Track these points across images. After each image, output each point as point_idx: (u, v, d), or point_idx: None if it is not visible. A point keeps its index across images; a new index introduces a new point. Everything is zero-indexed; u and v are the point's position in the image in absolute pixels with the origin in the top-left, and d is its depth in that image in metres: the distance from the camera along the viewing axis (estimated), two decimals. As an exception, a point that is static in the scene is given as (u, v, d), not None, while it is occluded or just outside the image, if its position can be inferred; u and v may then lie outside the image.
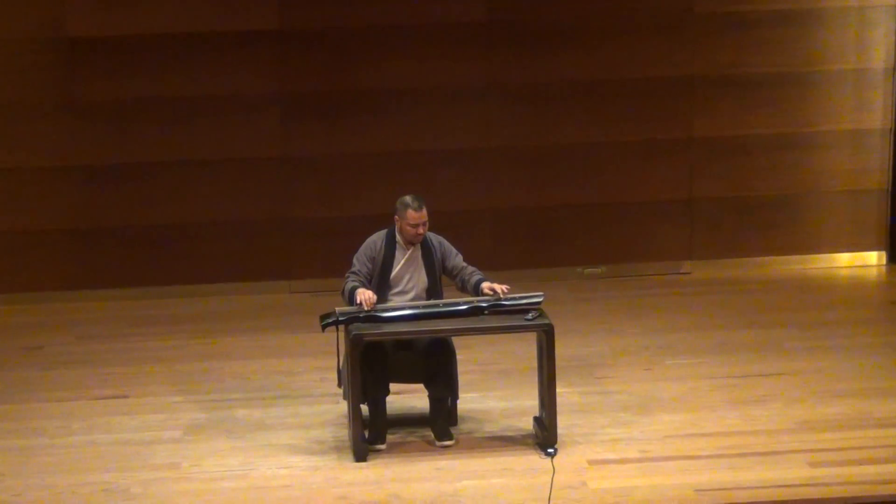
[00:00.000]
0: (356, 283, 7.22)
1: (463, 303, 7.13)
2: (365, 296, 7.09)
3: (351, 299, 7.16)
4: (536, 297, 7.20)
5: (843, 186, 10.76)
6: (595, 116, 10.51)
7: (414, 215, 7.22)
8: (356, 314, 7.03)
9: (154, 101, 10.22)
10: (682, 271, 10.79)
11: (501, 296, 7.10)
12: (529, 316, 7.04)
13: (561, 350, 7.76)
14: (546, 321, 7.01)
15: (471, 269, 7.34)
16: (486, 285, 7.17)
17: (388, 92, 10.35)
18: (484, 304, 7.11)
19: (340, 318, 7.03)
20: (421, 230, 7.25)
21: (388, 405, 7.24)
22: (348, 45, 10.28)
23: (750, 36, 10.49)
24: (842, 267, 10.80)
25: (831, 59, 10.57)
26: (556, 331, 7.02)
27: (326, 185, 10.45)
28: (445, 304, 7.13)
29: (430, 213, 7.31)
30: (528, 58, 10.40)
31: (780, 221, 10.78)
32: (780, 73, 10.55)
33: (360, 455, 6.99)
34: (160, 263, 10.41)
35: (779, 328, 9.20)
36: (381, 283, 7.27)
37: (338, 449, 7.16)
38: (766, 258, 10.82)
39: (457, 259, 7.36)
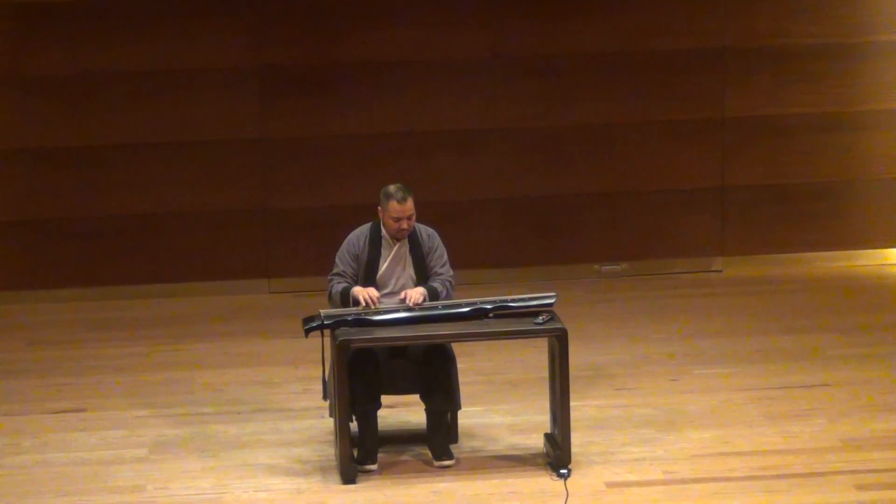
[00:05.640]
0: (346, 284, 7.26)
1: (464, 304, 7.17)
2: (368, 293, 7.12)
3: (344, 302, 7.19)
4: (548, 298, 7.25)
5: (893, 173, 10.79)
6: (614, 93, 10.54)
7: (397, 207, 7.25)
8: (343, 317, 7.06)
9: (114, 75, 10.25)
10: (712, 269, 10.82)
11: (410, 304, 7.11)
12: (540, 319, 7.09)
13: (575, 358, 7.80)
14: (558, 325, 7.06)
15: (443, 277, 7.32)
16: (403, 292, 7.17)
17: (379, 65, 10.38)
18: (488, 306, 7.16)
19: (326, 322, 7.07)
20: (405, 224, 7.27)
21: (379, 420, 7.28)
22: (335, 12, 10.30)
23: (789, 2, 10.51)
24: (892, 264, 10.84)
25: (882, 27, 10.60)
26: (571, 336, 7.07)
27: (310, 171, 10.48)
28: (444, 306, 7.17)
29: (424, 204, 7.33)
30: (537, 26, 10.43)
31: (822, 212, 10.81)
32: (823, 44, 10.58)
33: (349, 477, 7.04)
34: (121, 260, 10.43)
35: (822, 334, 9.24)
36: (367, 284, 7.30)
37: (323, 470, 7.20)
38: (808, 254, 10.85)
39: (437, 260, 7.35)
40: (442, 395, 7.23)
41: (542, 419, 7.56)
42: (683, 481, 6.95)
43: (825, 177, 10.77)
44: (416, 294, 7.17)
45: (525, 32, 10.42)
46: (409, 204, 7.25)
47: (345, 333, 6.97)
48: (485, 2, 10.37)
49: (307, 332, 7.16)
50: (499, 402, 8.11)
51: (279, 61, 10.32)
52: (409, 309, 7.15)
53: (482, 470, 7.13)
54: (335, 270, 7.34)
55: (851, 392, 8.11)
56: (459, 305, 7.17)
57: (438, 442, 7.26)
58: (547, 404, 7.34)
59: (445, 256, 7.40)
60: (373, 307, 7.09)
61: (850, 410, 7.82)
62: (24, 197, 10.33)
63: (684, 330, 9.37)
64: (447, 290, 7.30)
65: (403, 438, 7.55)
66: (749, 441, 7.43)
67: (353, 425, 7.20)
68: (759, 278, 10.59)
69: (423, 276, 7.35)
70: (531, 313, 7.16)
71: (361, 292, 7.15)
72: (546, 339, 7.20)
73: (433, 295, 7.24)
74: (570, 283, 10.35)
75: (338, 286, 7.27)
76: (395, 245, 7.34)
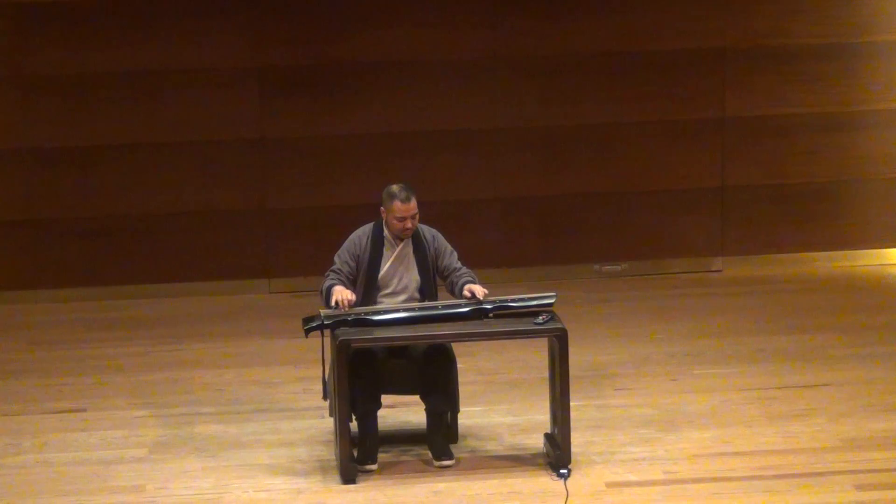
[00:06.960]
0: (334, 281, 7.25)
1: (464, 304, 7.17)
2: (342, 295, 7.11)
3: (327, 299, 7.20)
4: (548, 298, 7.24)
5: (893, 173, 10.80)
6: (614, 93, 10.54)
7: (401, 207, 7.25)
8: (344, 317, 7.07)
9: (114, 74, 10.25)
10: (712, 269, 10.83)
11: (480, 297, 7.13)
12: (540, 319, 7.08)
13: (575, 358, 7.80)
14: (559, 325, 7.05)
15: (463, 270, 7.36)
16: (467, 288, 7.20)
17: (380, 65, 10.39)
18: (488, 306, 7.16)
19: (326, 322, 7.07)
20: (409, 224, 7.28)
21: (379, 420, 7.28)
22: (335, 12, 10.30)
23: (789, 2, 10.52)
24: (892, 264, 10.84)
25: (882, 27, 10.60)
26: (571, 336, 7.07)
27: (310, 171, 10.49)
28: (444, 306, 7.17)
29: (424, 204, 7.34)
30: (537, 26, 10.43)
31: (822, 213, 10.82)
32: (823, 43, 10.58)
33: (349, 477, 7.03)
34: (121, 259, 10.44)
35: (821, 333, 9.24)
36: (369, 284, 7.31)
37: (323, 470, 7.20)
38: (807, 254, 10.85)
39: (451, 258, 7.39)
40: (442, 396, 7.23)
41: (542, 419, 7.56)
42: (683, 481, 6.95)
43: (825, 177, 10.78)
44: (481, 288, 7.17)
45: (525, 32, 10.42)
46: (413, 203, 7.25)
47: (345, 333, 6.97)
48: (485, 2, 10.37)
49: (307, 332, 7.16)
50: (499, 402, 8.11)
51: (279, 61, 10.32)
52: (409, 309, 7.16)
53: (482, 470, 7.13)
54: (332, 267, 7.35)
55: (851, 392, 8.11)
56: (459, 305, 7.17)
57: (438, 442, 7.26)
58: (547, 404, 7.34)
59: (456, 254, 7.41)
60: (343, 310, 7.07)
61: (850, 410, 7.83)
62: (24, 197, 10.34)
63: (684, 330, 9.38)
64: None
65: (403, 438, 7.55)
66: (749, 441, 7.43)
67: (353, 425, 7.20)
68: (759, 278, 10.59)
69: (427, 276, 7.35)
70: (531, 313, 7.15)
71: (337, 293, 7.14)
72: (546, 339, 7.20)
73: None
74: (570, 283, 10.36)
75: (327, 282, 7.27)
76: (397, 245, 7.35)
